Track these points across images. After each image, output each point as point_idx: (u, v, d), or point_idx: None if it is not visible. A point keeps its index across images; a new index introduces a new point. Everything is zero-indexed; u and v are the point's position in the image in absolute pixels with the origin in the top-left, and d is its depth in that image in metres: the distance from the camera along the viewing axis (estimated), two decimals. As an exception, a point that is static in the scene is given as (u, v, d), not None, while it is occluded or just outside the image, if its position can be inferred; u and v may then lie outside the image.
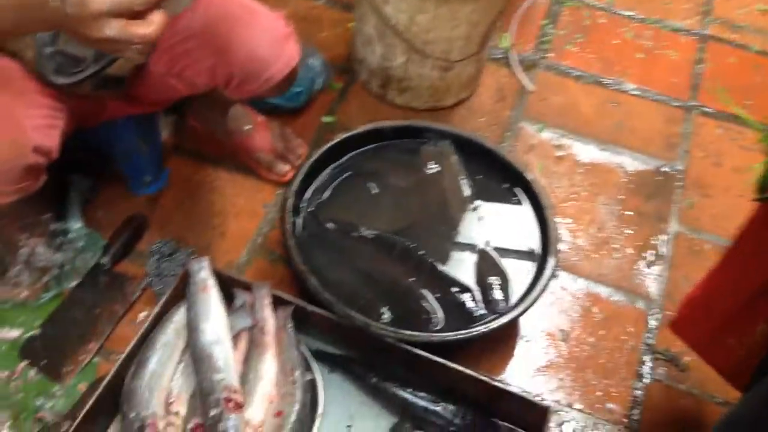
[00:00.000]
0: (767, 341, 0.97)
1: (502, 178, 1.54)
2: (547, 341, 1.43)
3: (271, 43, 1.31)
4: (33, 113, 1.18)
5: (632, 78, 2.00)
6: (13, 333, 1.40)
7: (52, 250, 1.46)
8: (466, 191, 1.51)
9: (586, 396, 1.36)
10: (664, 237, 1.63)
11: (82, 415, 1.18)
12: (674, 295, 1.51)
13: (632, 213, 1.67)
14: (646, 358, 1.42)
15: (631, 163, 1.79)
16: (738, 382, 1.14)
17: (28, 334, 1.40)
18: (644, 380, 1.39)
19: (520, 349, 1.42)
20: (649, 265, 1.57)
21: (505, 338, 1.42)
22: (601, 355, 1.41)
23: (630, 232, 1.64)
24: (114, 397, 1.23)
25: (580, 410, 1.34)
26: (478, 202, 1.50)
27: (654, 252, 1.60)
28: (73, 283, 1.47)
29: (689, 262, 1.58)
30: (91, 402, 1.20)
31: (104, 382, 1.22)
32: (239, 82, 1.32)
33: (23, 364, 1.36)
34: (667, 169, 1.78)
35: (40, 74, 1.20)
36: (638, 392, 1.37)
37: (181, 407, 1.24)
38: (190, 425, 1.21)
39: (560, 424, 1.32)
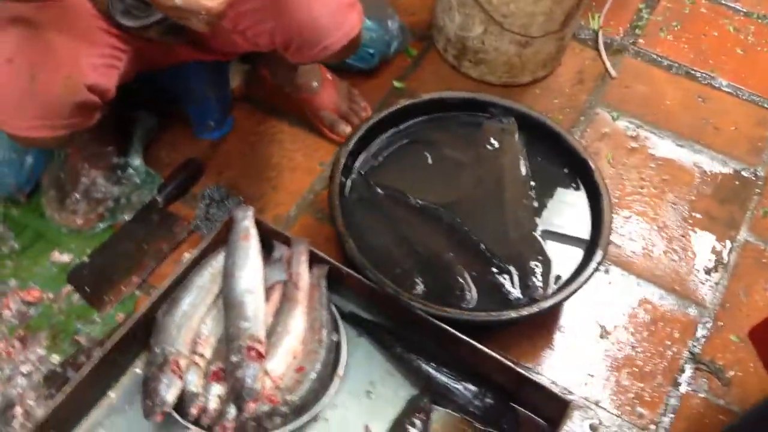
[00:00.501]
0: None
1: (563, 163, 1.48)
2: (585, 335, 1.38)
3: (333, 12, 1.28)
4: (93, 52, 1.21)
5: (726, 74, 1.87)
6: (64, 257, 1.46)
7: (110, 183, 1.51)
8: (524, 172, 1.46)
9: (616, 396, 1.30)
10: (731, 244, 1.53)
11: (113, 343, 1.22)
12: (730, 305, 1.42)
13: (701, 215, 1.58)
14: (688, 366, 1.34)
15: (709, 163, 1.68)
16: None
17: (78, 261, 1.45)
18: (681, 389, 1.32)
19: (556, 338, 1.37)
20: (709, 271, 1.48)
21: (541, 325, 1.37)
22: (640, 357, 1.35)
23: (694, 234, 1.55)
24: (147, 331, 1.26)
25: (607, 410, 1.28)
26: (534, 184, 1.44)
27: (716, 258, 1.51)
28: (127, 217, 1.51)
29: (753, 273, 1.48)
30: (122, 332, 1.24)
31: (137, 315, 1.26)
32: (297, 48, 1.31)
33: (68, 288, 1.41)
34: (747, 174, 1.66)
35: (109, 15, 1.22)
36: (673, 400, 1.30)
37: (207, 350, 1.27)
38: (212, 368, 1.24)
39: (584, 420, 1.27)
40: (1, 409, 1.24)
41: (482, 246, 1.34)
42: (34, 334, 1.35)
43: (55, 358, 1.32)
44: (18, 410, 1.24)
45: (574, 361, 1.34)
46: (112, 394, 1.28)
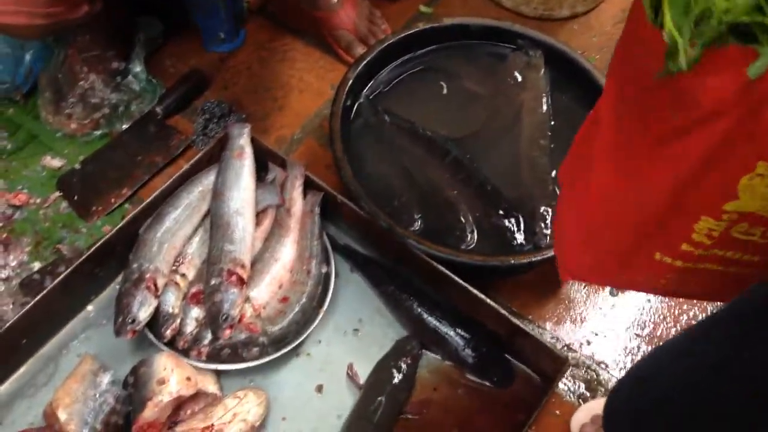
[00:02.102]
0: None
1: (590, 106, 1.35)
2: (593, 290, 1.28)
3: None
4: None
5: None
6: (56, 162, 1.40)
7: (109, 89, 1.43)
8: (545, 110, 1.34)
9: (621, 358, 1.21)
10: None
11: (89, 252, 1.17)
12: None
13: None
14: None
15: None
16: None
17: (70, 167, 1.39)
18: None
19: (561, 292, 1.28)
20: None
21: (547, 277, 1.27)
22: (651, 319, 1.24)
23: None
24: (130, 245, 1.20)
25: (610, 371, 1.19)
26: (554, 124, 1.33)
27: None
28: (124, 126, 1.44)
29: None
30: (100, 243, 1.18)
31: (117, 227, 1.19)
32: None
33: (57, 194, 1.36)
34: None
35: None
36: (681, 366, 1.20)
37: (190, 271, 1.20)
38: (192, 290, 1.18)
39: (585, 381, 1.19)
40: (-26, 312, 1.20)
41: (490, 186, 1.24)
42: (17, 238, 1.30)
43: (35, 265, 1.27)
44: (-8, 314, 1.20)
45: (580, 318, 1.25)
46: (90, 308, 1.23)
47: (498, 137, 1.32)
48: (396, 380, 1.14)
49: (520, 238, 1.19)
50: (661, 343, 0.97)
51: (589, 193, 0.70)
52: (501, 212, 1.21)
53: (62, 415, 1.04)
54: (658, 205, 0.61)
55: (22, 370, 1.17)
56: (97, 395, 1.07)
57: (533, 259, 1.12)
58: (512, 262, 1.12)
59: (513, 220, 1.20)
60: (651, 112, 0.58)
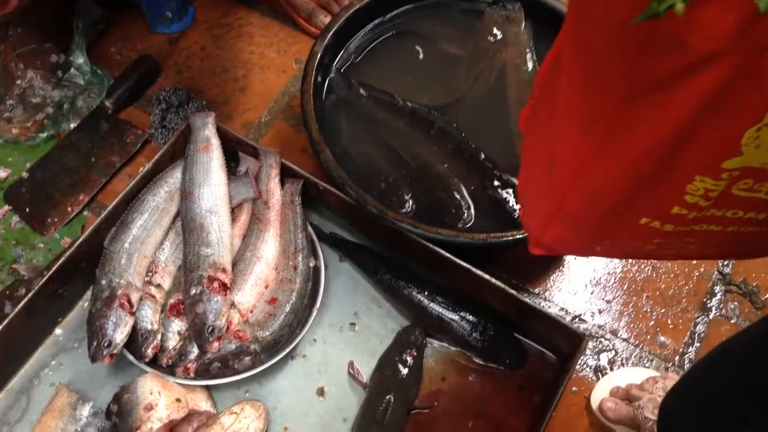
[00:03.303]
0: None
1: (576, 56, 1.26)
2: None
3: None
4: None
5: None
6: (0, 173, 1.26)
7: (50, 86, 1.30)
8: (531, 67, 1.25)
9: (635, 324, 1.14)
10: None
11: (50, 272, 1.05)
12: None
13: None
14: (717, 288, 1.17)
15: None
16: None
17: (16, 177, 1.26)
18: (710, 314, 1.15)
19: (567, 261, 1.20)
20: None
21: (550, 247, 1.20)
22: (663, 280, 1.18)
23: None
24: (95, 259, 1.09)
25: (625, 339, 1.13)
26: (541, 82, 1.23)
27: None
28: (72, 126, 1.31)
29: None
30: (62, 262, 1.06)
31: (79, 241, 1.08)
32: None
33: (6, 208, 1.23)
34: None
35: None
36: (700, 327, 1.14)
37: (166, 280, 1.09)
38: (170, 300, 1.07)
39: (599, 353, 1.12)
40: (-73, 350, 1.08)
41: (482, 155, 1.15)
42: (-33, 261, 1.17)
43: (-8, 290, 1.15)
44: (-51, 350, 1.08)
45: (588, 286, 1.18)
46: (59, 331, 1.12)
47: (484, 101, 1.23)
48: (402, 375, 1.06)
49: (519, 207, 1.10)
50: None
51: (555, 156, 0.61)
52: (497, 183, 1.12)
53: (43, 457, 0.94)
54: (640, 168, 0.52)
55: (-9, 407, 1.07)
56: (79, 430, 0.97)
57: (539, 232, 1.03)
58: (519, 236, 1.03)
59: (511, 191, 1.12)
60: (624, 60, 0.48)
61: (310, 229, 1.15)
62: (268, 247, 1.12)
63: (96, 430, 0.98)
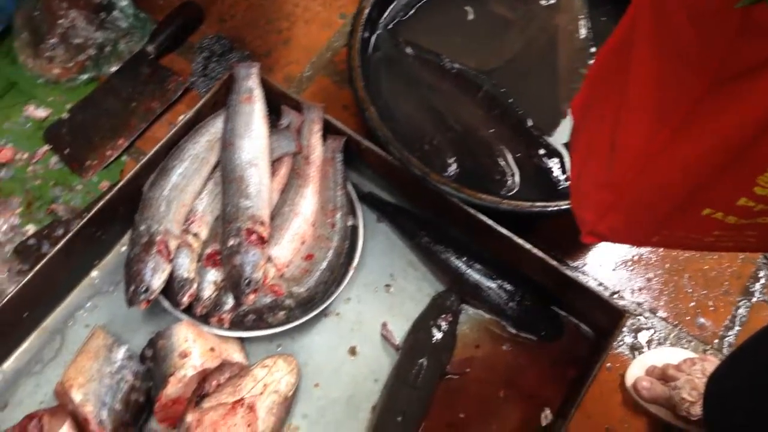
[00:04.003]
0: None
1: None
2: (641, 233, 1.19)
3: None
4: None
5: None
6: (40, 112, 1.26)
7: (93, 27, 1.28)
8: (583, 35, 1.21)
9: (675, 304, 1.12)
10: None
11: (90, 215, 1.05)
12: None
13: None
14: (762, 273, 1.15)
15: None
16: None
17: (56, 117, 1.25)
18: (752, 299, 1.13)
19: (607, 235, 1.18)
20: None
21: (591, 220, 1.18)
22: (706, 261, 1.15)
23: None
24: (133, 204, 1.08)
25: (664, 319, 1.11)
26: (593, 51, 1.20)
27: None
28: (113, 69, 1.30)
29: None
30: (102, 204, 1.06)
31: (119, 185, 1.07)
32: None
33: (46, 148, 1.22)
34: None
35: None
36: (741, 311, 1.12)
37: (203, 229, 1.09)
38: (207, 250, 1.07)
39: (636, 331, 1.10)
40: (-35, 283, 1.09)
41: (529, 122, 1.13)
42: (5, 199, 1.17)
43: (29, 229, 1.15)
44: (-14, 286, 1.09)
45: (629, 263, 1.16)
46: (95, 274, 1.12)
47: (533, 67, 1.20)
48: (436, 339, 1.05)
49: (566, 179, 1.08)
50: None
51: (618, 147, 0.59)
52: (543, 152, 1.10)
53: (77, 396, 0.95)
54: (713, 159, 0.50)
55: (25, 345, 1.07)
56: (114, 372, 0.98)
57: (586, 204, 1.01)
58: (564, 207, 1.01)
59: (557, 160, 1.09)
60: (713, 49, 0.46)
61: (349, 187, 1.14)
62: (307, 203, 1.11)
63: (130, 373, 0.98)
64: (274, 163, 1.13)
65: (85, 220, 1.04)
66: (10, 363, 1.06)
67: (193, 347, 0.98)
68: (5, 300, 1.00)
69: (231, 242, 1.02)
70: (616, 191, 0.61)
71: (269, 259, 1.05)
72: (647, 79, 0.53)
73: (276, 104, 1.17)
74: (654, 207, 0.59)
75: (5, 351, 1.06)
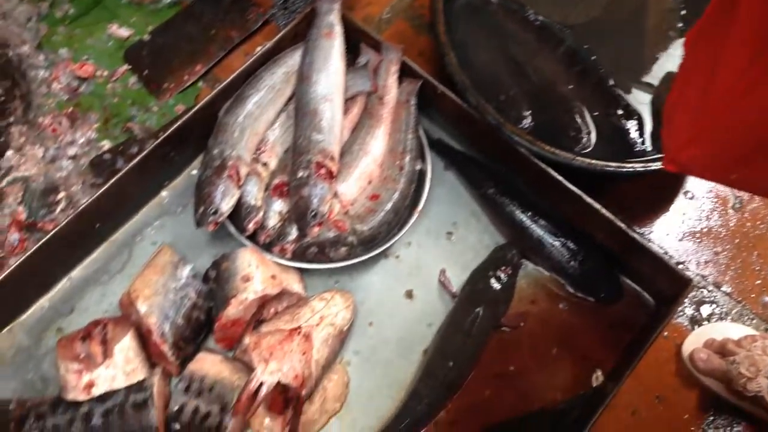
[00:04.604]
0: None
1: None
2: (714, 204, 1.16)
3: None
4: None
5: None
6: (123, 32, 1.27)
7: (179, -48, 1.29)
8: (674, -3, 1.18)
9: (741, 280, 1.10)
10: None
11: (165, 134, 1.07)
12: None
13: None
14: (833, 260, 1.12)
15: None
16: None
17: (137, 38, 1.27)
18: (821, 282, 1.10)
19: (678, 204, 1.16)
20: None
21: (664, 186, 1.16)
22: (778, 239, 1.13)
23: None
24: (207, 129, 1.09)
25: (728, 294, 1.09)
26: (684, 14, 1.16)
27: None
28: (195, -5, 1.31)
29: None
30: (178, 125, 1.08)
31: (195, 108, 1.08)
32: None
33: (126, 67, 1.24)
34: None
35: None
36: (809, 293, 1.10)
37: (272, 160, 1.10)
38: (275, 181, 1.08)
39: (698, 303, 1.09)
40: (42, 191, 1.12)
41: (610, 81, 1.10)
42: (84, 113, 1.20)
43: (105, 144, 1.18)
44: (61, 195, 1.12)
45: (697, 234, 1.13)
46: (164, 194, 1.15)
47: (619, 26, 1.17)
48: (494, 290, 1.05)
49: (644, 141, 1.06)
50: None
51: (716, 84, 0.61)
52: (621, 112, 1.08)
53: (142, 307, 0.98)
54: None
55: (94, 255, 1.11)
56: (178, 288, 1.00)
57: (661, 167, 0.99)
58: (639, 169, 0.99)
59: (636, 122, 1.07)
60: None
61: (421, 131, 1.14)
62: (377, 144, 1.11)
63: (194, 291, 1.01)
64: (348, 102, 1.13)
65: (160, 139, 1.06)
66: (78, 271, 1.10)
67: (256, 273, 1.00)
68: (79, 210, 1.02)
69: (300, 174, 1.03)
70: (705, 121, 0.63)
71: (335, 195, 1.06)
72: (753, 12, 0.55)
73: (354, 42, 1.16)
74: (740, 139, 0.60)
75: (75, 259, 1.09)
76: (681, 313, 1.08)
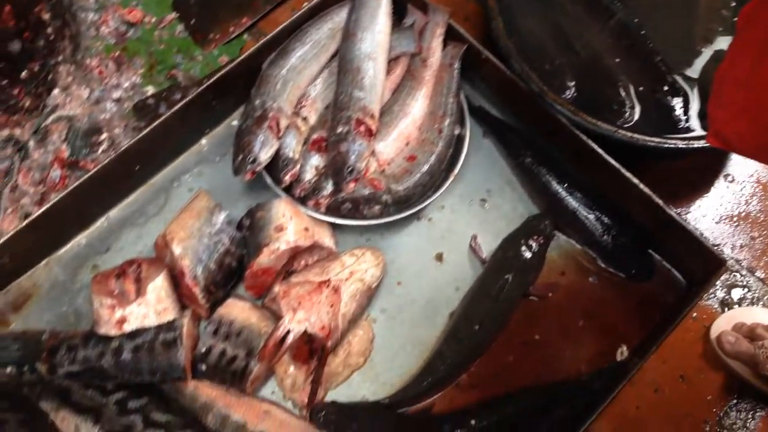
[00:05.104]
0: None
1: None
2: (754, 189, 1.14)
3: None
4: None
5: None
6: (173, -20, 1.29)
7: None
8: (731, -24, 1.15)
9: (776, 269, 1.09)
10: None
11: (209, 82, 1.08)
12: None
13: None
14: None
15: None
16: None
17: (187, -13, 1.28)
18: None
19: (718, 187, 1.14)
20: None
21: (704, 167, 1.14)
22: (817, 230, 1.11)
23: None
24: (251, 81, 1.10)
25: (761, 279, 1.08)
26: (740, -6, 1.14)
27: None
28: (247, -51, 1.31)
29: None
30: (222, 74, 1.08)
31: (239, 59, 1.09)
32: None
33: (173, 15, 1.25)
34: None
35: None
36: (843, 288, 1.08)
37: (312, 114, 1.10)
38: (314, 136, 1.08)
39: (729, 287, 1.08)
40: (85, 131, 1.14)
41: (658, 56, 1.09)
42: (130, 58, 1.21)
43: (149, 89, 1.19)
44: (104, 136, 1.14)
45: (735, 218, 1.12)
46: (204, 142, 1.16)
47: (671, 2, 1.15)
48: (525, 259, 1.05)
49: (689, 119, 1.04)
50: None
51: (765, 62, 0.62)
52: (667, 89, 1.06)
53: (177, 249, 0.99)
54: None
55: (132, 197, 1.13)
56: (213, 233, 1.02)
57: (704, 145, 0.98)
58: (681, 146, 0.98)
59: (681, 99, 1.06)
60: None
61: (462, 96, 1.13)
62: (418, 105, 1.11)
63: (227, 237, 1.02)
64: (391, 62, 1.13)
65: (203, 87, 1.08)
66: (116, 211, 1.12)
67: (289, 224, 1.01)
68: (120, 151, 1.04)
69: (339, 129, 1.03)
70: (753, 97, 0.63)
71: (373, 153, 1.07)
72: None
73: (402, 2, 1.16)
74: None
75: (113, 200, 1.12)
76: (712, 296, 1.07)
